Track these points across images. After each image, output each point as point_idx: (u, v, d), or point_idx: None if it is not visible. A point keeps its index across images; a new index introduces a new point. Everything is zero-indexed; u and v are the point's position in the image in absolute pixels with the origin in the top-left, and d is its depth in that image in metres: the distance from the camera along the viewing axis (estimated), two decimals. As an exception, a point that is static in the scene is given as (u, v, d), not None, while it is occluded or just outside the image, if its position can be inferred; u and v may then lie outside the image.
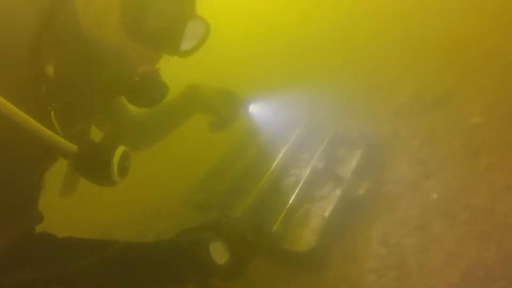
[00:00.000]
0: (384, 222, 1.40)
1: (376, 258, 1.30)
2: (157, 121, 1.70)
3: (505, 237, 1.15)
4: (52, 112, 0.87)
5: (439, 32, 2.35)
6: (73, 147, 0.92)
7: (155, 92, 1.05)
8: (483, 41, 2.14)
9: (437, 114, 1.77)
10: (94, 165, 0.99)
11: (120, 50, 0.97)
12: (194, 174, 1.97)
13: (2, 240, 0.73)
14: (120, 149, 1.02)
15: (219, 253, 1.04)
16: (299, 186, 1.51)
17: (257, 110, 1.73)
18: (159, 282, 0.97)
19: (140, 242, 1.06)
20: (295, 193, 1.50)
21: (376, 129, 1.89)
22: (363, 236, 1.40)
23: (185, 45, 1.04)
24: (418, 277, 1.15)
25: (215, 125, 1.66)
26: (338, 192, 1.49)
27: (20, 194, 0.84)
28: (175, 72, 1.18)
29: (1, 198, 0.77)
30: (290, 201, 1.47)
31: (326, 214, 1.40)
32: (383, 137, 1.82)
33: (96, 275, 0.86)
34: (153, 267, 0.96)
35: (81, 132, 1.09)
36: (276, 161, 1.64)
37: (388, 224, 1.39)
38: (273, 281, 1.44)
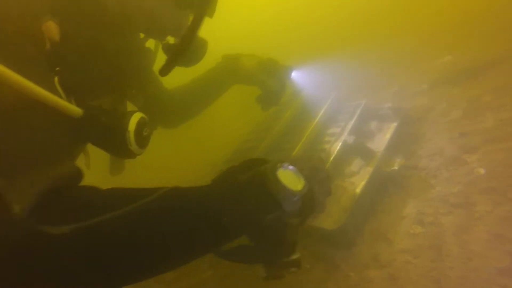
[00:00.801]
0: (421, 200, 1.30)
1: (410, 237, 1.22)
2: (195, 95, 1.67)
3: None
4: (56, 78, 0.81)
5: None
6: (78, 111, 0.83)
7: (198, 48, 1.16)
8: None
9: (482, 83, 1.60)
10: (109, 134, 0.91)
11: (164, 15, 1.05)
12: (230, 141, 1.93)
13: (44, 187, 0.66)
14: (137, 116, 0.94)
15: (291, 180, 0.84)
16: (329, 161, 1.42)
17: (296, 78, 1.67)
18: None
19: (196, 187, 0.88)
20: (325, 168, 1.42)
21: (411, 101, 1.76)
22: (397, 214, 1.31)
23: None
24: (458, 259, 1.06)
25: (267, 102, 1.60)
26: (370, 167, 1.39)
27: (52, 149, 0.79)
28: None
29: (35, 149, 0.73)
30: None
31: (358, 190, 1.31)
32: (419, 109, 1.69)
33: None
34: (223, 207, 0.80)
35: (98, 102, 1.05)
36: (306, 135, 1.56)
37: (424, 202, 1.28)
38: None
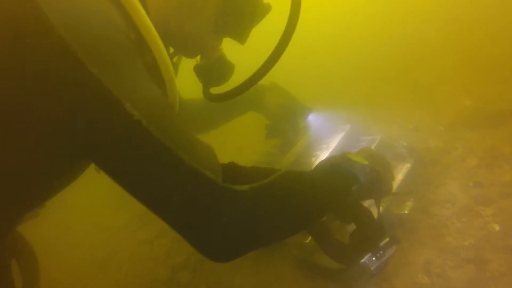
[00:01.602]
0: (429, 248, 1.26)
1: (415, 287, 1.17)
2: (208, 111, 1.69)
3: None
4: None
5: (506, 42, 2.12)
6: None
7: (226, 70, 1.27)
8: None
9: (501, 133, 1.57)
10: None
11: (202, 39, 1.13)
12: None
13: None
14: None
15: (358, 159, 1.10)
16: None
17: (311, 118, 1.76)
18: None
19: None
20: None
21: (426, 142, 1.73)
22: (403, 259, 1.27)
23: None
24: (466, 319, 1.02)
25: (274, 133, 1.74)
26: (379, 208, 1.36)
27: None
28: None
29: None
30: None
31: (365, 231, 1.28)
32: (434, 152, 1.66)
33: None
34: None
35: None
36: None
37: (433, 251, 1.24)
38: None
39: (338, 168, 1.06)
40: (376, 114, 2.00)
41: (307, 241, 1.36)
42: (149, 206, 0.77)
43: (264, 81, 1.80)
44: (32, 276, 1.32)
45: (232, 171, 1.01)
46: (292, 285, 1.43)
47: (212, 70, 1.25)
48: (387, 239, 1.14)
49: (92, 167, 0.96)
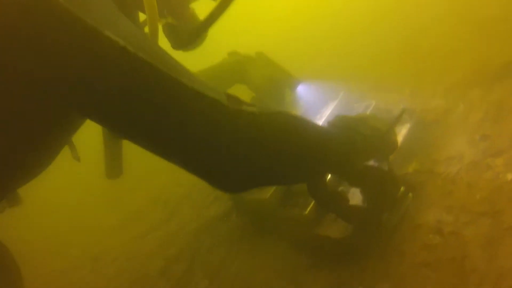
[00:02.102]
0: (438, 207, 1.15)
1: (428, 249, 1.07)
2: None
3: None
4: None
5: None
6: None
7: (194, 34, 1.17)
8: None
9: (505, 85, 1.46)
10: None
11: None
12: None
13: None
14: None
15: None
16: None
17: (300, 89, 1.70)
18: None
19: None
20: (330, 171, 1.29)
21: (425, 104, 1.63)
22: (411, 223, 1.17)
23: None
24: (486, 276, 0.91)
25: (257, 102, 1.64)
26: (380, 170, 1.25)
27: None
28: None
29: None
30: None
31: (367, 195, 1.17)
32: (434, 112, 1.55)
33: None
34: None
35: None
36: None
37: (442, 209, 1.14)
38: (303, 271, 1.25)
39: (340, 123, 1.05)
40: (371, 82, 1.90)
41: (306, 212, 1.25)
42: (154, 145, 0.72)
43: (252, 51, 1.72)
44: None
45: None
46: (288, 265, 1.33)
47: (181, 32, 1.18)
48: (402, 188, 1.12)
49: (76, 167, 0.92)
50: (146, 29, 1.27)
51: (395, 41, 2.26)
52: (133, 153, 1.14)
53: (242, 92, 1.69)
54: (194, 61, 1.36)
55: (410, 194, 1.18)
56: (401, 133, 1.41)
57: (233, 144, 0.74)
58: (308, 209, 1.26)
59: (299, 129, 0.87)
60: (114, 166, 1.33)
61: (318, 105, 1.68)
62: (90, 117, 0.72)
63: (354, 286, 1.07)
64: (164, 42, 1.21)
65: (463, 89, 1.62)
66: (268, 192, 1.36)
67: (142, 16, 1.15)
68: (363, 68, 2.06)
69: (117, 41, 0.60)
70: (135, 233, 2.05)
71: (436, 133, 1.45)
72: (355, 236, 1.12)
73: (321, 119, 1.54)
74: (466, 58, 1.87)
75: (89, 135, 1.42)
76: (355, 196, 1.16)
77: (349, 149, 1.01)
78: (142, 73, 0.62)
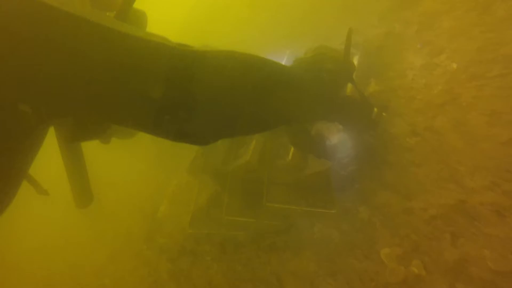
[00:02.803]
0: (405, 114, 1.24)
1: (410, 150, 1.14)
2: None
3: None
4: None
5: None
6: None
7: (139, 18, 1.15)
8: None
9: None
10: None
11: None
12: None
13: None
14: None
15: None
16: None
17: None
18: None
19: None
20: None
21: (365, 35, 1.72)
22: (385, 137, 1.24)
23: None
24: (462, 151, 1.00)
25: None
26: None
27: None
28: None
29: None
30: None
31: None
32: (376, 39, 1.65)
33: None
34: None
35: None
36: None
37: (410, 113, 1.23)
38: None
39: (303, 64, 1.08)
40: (310, 29, 1.96)
41: (289, 157, 1.29)
42: (111, 105, 0.71)
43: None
44: None
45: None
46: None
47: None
48: (375, 109, 1.15)
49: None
50: None
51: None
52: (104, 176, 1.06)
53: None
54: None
55: (384, 114, 1.23)
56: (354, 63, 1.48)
57: (199, 90, 0.73)
58: (290, 155, 1.29)
59: (259, 65, 0.85)
60: (82, 193, 1.18)
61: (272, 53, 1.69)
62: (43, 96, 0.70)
63: (357, 205, 1.12)
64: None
65: (395, 14, 1.73)
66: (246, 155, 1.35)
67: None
68: (299, 19, 2.11)
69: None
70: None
71: (383, 55, 1.54)
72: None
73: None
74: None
75: (52, 167, 1.31)
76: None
77: (320, 87, 1.02)
78: (84, 30, 0.65)
